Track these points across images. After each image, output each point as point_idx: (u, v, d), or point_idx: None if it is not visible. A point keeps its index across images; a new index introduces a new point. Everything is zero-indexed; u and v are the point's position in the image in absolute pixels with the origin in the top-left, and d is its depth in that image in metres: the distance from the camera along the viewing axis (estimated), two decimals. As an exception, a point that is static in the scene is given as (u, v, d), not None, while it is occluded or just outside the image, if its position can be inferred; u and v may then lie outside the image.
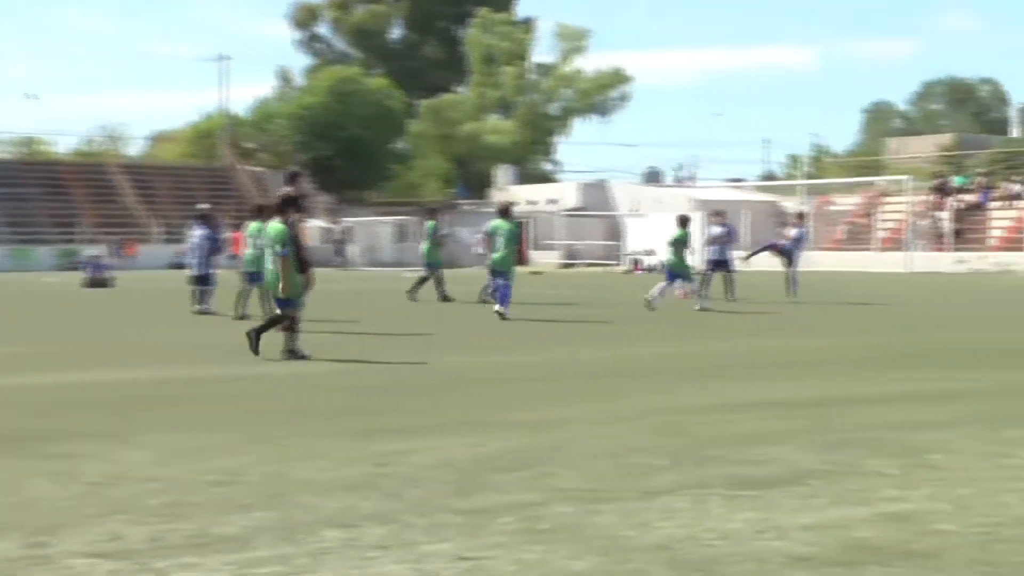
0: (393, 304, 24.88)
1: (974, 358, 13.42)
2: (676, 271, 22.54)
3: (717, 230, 25.20)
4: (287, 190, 14.70)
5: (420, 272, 26.29)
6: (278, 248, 12.91)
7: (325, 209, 61.80)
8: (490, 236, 20.16)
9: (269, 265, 13.23)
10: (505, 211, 20.63)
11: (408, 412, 9.15)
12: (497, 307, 19.38)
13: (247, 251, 19.56)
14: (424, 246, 26.32)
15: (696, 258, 26.86)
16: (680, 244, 22.46)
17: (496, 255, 19.88)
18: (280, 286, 12.96)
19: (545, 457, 7.19)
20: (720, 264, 24.56)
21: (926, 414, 8.94)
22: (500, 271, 19.86)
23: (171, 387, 10.94)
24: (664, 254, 23.38)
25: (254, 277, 19.24)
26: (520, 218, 21.35)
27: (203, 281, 21.20)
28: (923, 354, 13.84)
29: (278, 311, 13.32)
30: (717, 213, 26.41)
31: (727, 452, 7.34)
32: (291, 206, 13.25)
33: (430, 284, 25.22)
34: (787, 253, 26.60)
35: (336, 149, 69.60)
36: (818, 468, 6.85)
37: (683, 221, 23.16)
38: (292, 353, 12.98)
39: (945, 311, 22.40)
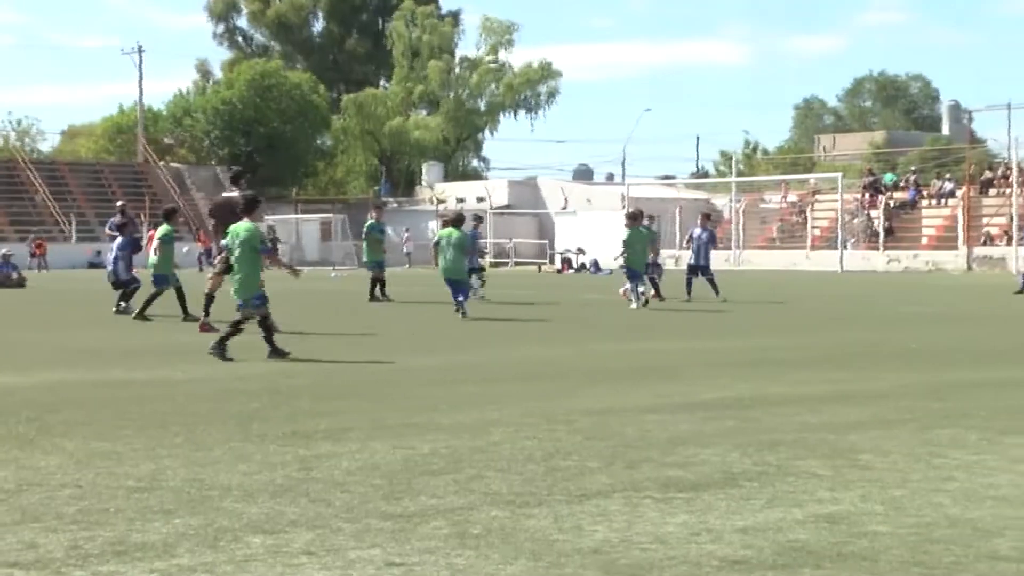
0: (320, 304, 24.66)
1: (904, 358, 13.52)
2: (633, 268, 22.28)
3: None
4: (234, 191, 14.84)
5: (369, 274, 24.95)
6: (259, 245, 13.03)
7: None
8: (438, 245, 19.87)
9: (243, 267, 12.92)
10: (456, 219, 20.44)
11: (337, 415, 8.99)
12: (458, 310, 19.23)
13: (152, 255, 19.55)
14: (364, 245, 25.35)
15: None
16: (634, 240, 22.20)
17: (445, 264, 19.64)
18: (267, 279, 13.10)
19: (475, 460, 7.10)
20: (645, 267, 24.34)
21: (857, 414, 8.97)
22: (450, 280, 19.56)
23: (89, 390, 10.68)
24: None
25: (160, 280, 19.20)
26: (466, 225, 20.85)
27: (129, 284, 21.14)
28: (853, 354, 13.93)
29: (262, 313, 13.00)
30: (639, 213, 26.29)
31: (659, 454, 7.29)
32: (256, 205, 13.59)
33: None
34: (700, 268, 25.99)
35: (256, 145, 68.89)
36: (751, 470, 6.83)
37: (633, 217, 22.98)
38: (219, 352, 12.78)
39: (874, 310, 22.65)
